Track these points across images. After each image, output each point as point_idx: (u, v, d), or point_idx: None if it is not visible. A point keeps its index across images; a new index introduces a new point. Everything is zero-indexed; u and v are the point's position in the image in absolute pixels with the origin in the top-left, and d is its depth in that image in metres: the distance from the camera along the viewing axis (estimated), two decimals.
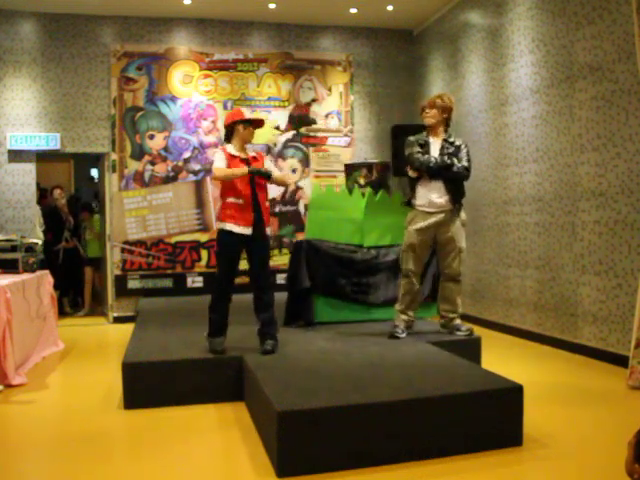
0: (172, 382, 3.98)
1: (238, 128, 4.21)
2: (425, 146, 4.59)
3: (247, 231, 4.11)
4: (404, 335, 4.59)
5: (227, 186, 4.15)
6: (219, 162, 4.13)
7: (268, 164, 4.34)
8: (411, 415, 3.04)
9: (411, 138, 4.68)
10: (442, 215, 4.54)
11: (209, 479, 2.99)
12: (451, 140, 4.65)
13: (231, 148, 4.23)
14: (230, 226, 4.12)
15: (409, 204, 4.65)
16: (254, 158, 4.27)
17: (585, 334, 5.21)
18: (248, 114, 4.41)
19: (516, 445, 3.17)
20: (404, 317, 4.66)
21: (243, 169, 4.10)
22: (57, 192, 8.14)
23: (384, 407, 3.02)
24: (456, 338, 4.63)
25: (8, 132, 7.30)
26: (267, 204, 4.28)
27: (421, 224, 4.54)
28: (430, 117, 4.61)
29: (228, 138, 4.28)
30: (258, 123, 4.31)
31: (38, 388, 4.50)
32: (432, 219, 4.54)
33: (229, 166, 4.12)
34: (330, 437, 2.91)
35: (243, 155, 4.22)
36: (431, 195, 4.53)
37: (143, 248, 7.67)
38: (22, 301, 4.95)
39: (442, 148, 4.59)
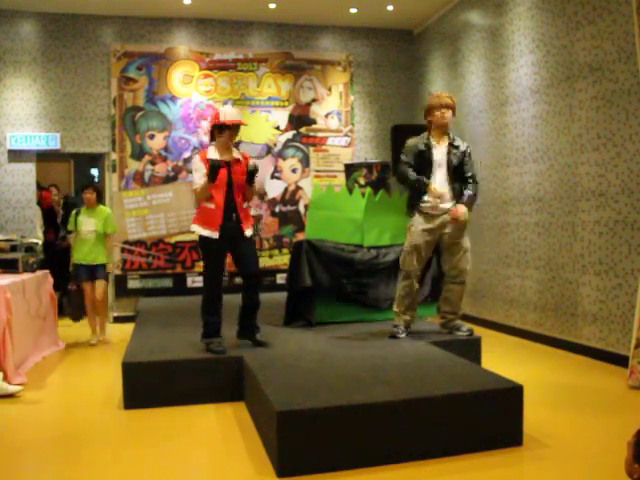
0: (172, 382, 3.98)
1: (215, 132, 4.17)
2: (427, 152, 4.44)
3: (214, 235, 4.09)
4: (404, 335, 4.58)
5: None
6: (197, 177, 4.09)
7: (253, 166, 4.23)
8: (411, 415, 3.04)
9: (410, 143, 4.53)
10: (447, 216, 4.47)
11: (209, 479, 2.99)
12: (456, 144, 4.50)
13: (212, 151, 4.15)
14: (197, 228, 4.14)
15: (412, 210, 4.51)
16: (237, 160, 4.18)
17: (585, 334, 5.21)
18: (228, 115, 4.09)
19: (516, 445, 3.17)
20: (405, 317, 4.64)
21: (203, 183, 4.05)
22: (52, 190, 8.16)
23: (384, 407, 3.02)
24: (456, 338, 4.63)
25: (8, 132, 7.30)
26: (245, 206, 4.24)
27: (428, 225, 4.47)
28: (447, 118, 4.42)
29: (212, 138, 4.23)
30: (236, 125, 4.13)
31: (38, 388, 4.49)
32: (438, 220, 4.48)
33: (207, 172, 4.04)
34: (330, 437, 2.91)
35: (226, 157, 4.13)
36: (437, 200, 4.45)
37: (143, 248, 7.68)
38: (22, 301, 4.95)
39: (449, 154, 4.44)
